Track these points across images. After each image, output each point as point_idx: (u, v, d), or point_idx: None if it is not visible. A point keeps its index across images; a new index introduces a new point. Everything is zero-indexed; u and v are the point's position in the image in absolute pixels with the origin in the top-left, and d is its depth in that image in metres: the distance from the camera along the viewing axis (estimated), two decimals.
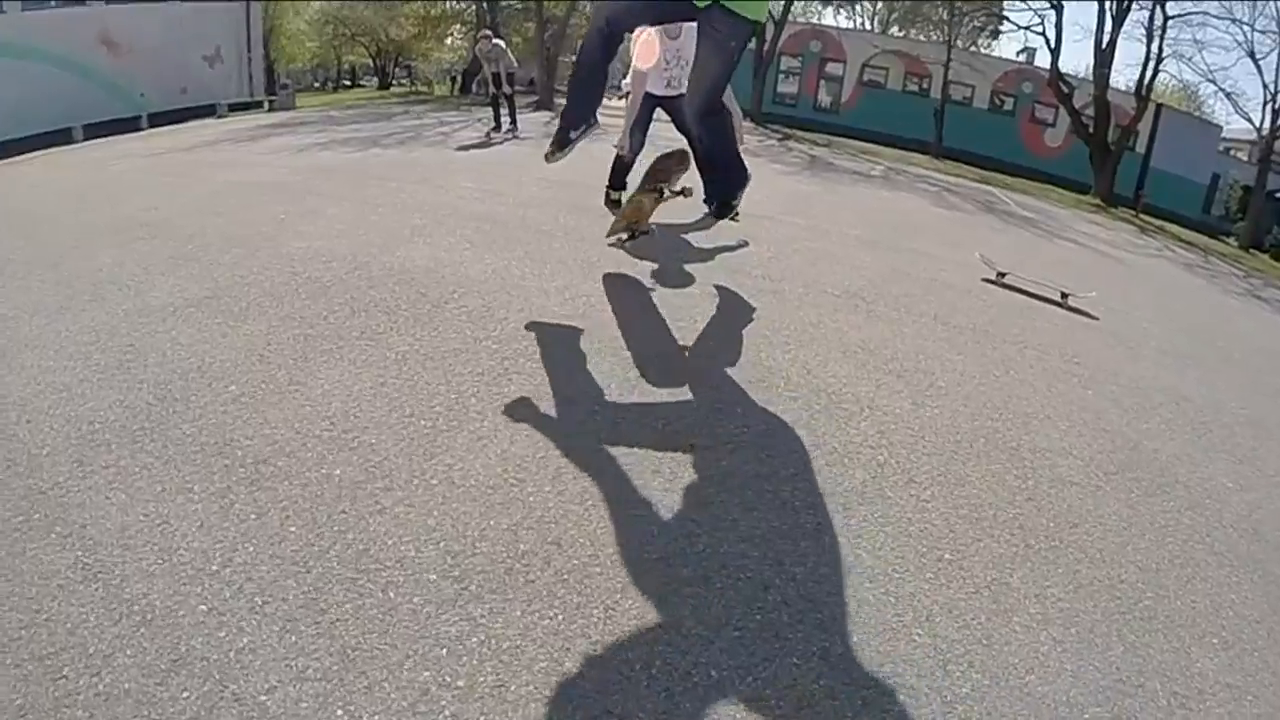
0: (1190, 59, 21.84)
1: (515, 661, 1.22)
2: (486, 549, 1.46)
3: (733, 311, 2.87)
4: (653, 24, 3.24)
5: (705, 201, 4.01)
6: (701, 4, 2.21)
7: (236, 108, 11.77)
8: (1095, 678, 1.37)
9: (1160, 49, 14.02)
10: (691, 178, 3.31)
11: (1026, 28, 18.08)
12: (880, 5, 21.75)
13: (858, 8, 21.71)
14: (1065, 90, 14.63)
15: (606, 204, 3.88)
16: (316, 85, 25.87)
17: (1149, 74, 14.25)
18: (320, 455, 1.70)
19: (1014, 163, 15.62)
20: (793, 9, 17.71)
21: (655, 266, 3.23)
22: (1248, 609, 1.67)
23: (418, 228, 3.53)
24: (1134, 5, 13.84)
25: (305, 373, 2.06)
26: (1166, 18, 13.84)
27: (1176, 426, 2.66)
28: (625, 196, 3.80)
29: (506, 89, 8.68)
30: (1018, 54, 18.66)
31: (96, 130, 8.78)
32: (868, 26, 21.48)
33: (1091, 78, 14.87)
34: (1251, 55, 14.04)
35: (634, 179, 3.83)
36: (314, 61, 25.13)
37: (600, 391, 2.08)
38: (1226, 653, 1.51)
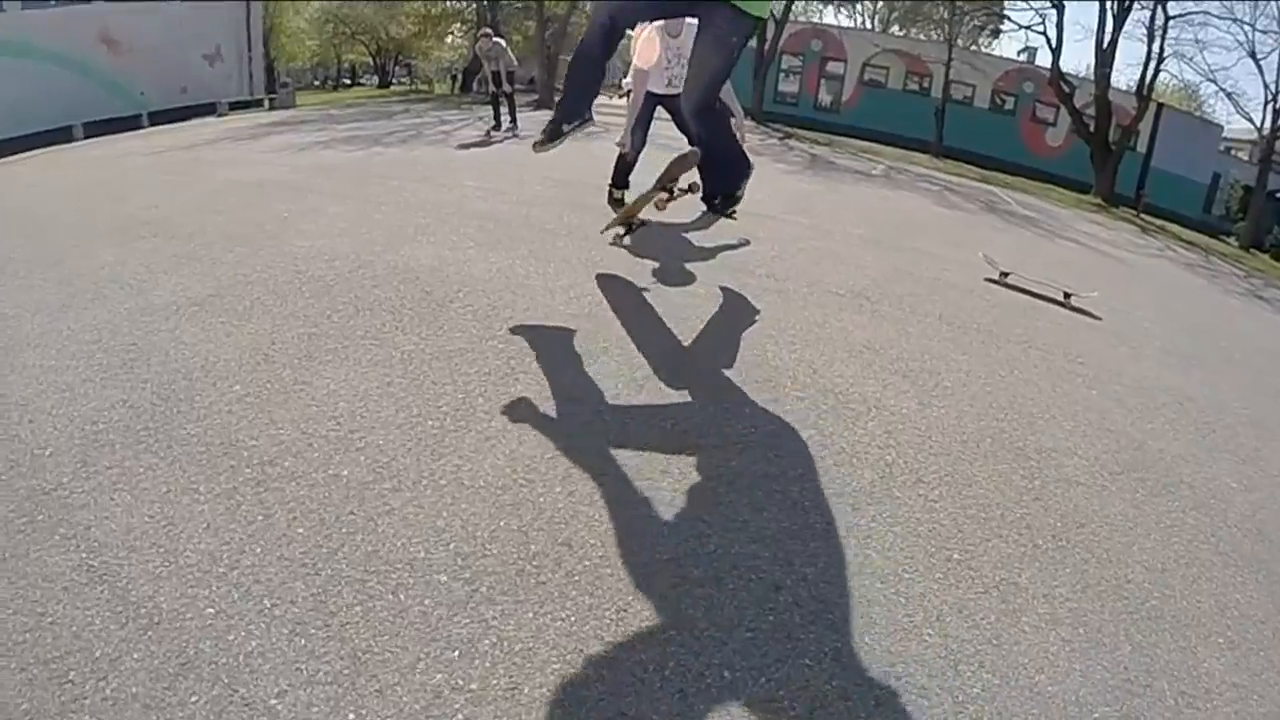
0: (1191, 59, 21.88)
1: (528, 664, 1.21)
2: (497, 550, 1.45)
3: (738, 311, 2.86)
4: (655, 19, 3.24)
5: (704, 199, 4.01)
6: None
7: (237, 106, 11.74)
8: (1104, 677, 1.37)
9: (1161, 49, 14.05)
10: (693, 173, 3.31)
11: (1027, 27, 18.12)
12: (881, 4, 21.76)
13: (858, 7, 21.72)
14: (1066, 90, 14.63)
15: (609, 203, 3.87)
16: (316, 84, 25.82)
17: (1150, 74, 14.28)
18: (327, 456, 1.69)
19: (1015, 162, 15.64)
20: (793, 8, 17.71)
21: (659, 266, 3.22)
22: (1253, 609, 1.68)
23: (421, 226, 3.52)
24: (1135, 5, 13.86)
25: (310, 372, 2.05)
26: (1168, 17, 13.85)
27: (1180, 427, 2.66)
28: (628, 195, 3.80)
29: (507, 87, 8.67)
30: (1018, 53, 18.68)
31: (97, 129, 8.75)
32: (868, 25, 21.47)
33: (1092, 77, 14.88)
34: (1252, 55, 14.07)
35: (636, 178, 3.83)
36: (314, 60, 25.09)
37: (607, 391, 2.07)
38: (1232, 653, 1.51)
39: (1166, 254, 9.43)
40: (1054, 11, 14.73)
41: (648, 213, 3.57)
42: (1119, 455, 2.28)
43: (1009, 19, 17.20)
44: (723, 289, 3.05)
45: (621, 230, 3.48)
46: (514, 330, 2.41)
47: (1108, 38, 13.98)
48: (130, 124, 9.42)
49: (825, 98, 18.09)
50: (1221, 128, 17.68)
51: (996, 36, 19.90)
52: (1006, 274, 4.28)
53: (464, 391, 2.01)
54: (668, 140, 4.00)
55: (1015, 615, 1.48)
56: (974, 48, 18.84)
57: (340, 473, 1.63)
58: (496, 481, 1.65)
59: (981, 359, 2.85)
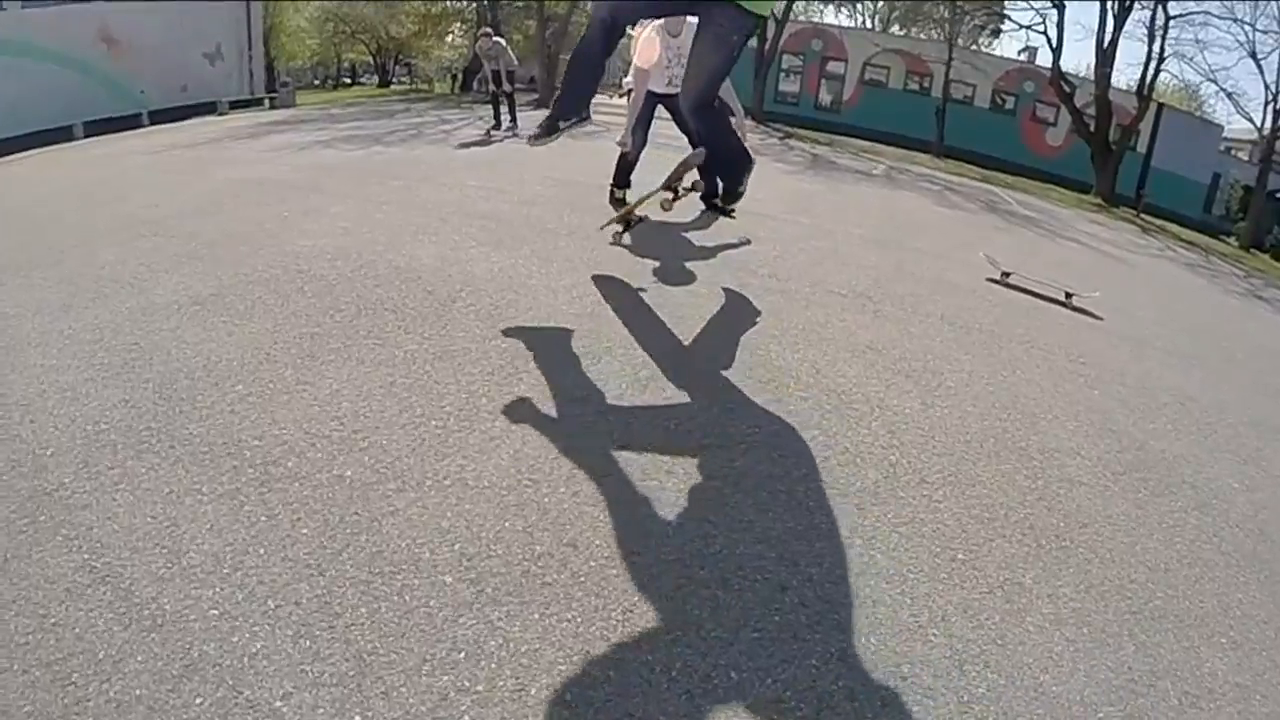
0: (1192, 59, 21.94)
1: (535, 665, 1.20)
2: (502, 551, 1.44)
3: (740, 311, 2.86)
4: (656, 17, 3.23)
5: (702, 198, 4.01)
6: None
7: (237, 105, 11.74)
8: (1108, 677, 1.37)
9: (1162, 49, 14.06)
10: (694, 172, 3.31)
11: (1028, 27, 18.15)
12: (881, 4, 21.77)
13: (859, 6, 21.74)
14: (1067, 89, 14.64)
15: (611, 202, 3.87)
16: (316, 83, 25.79)
17: (1150, 73, 14.29)
18: (330, 456, 1.68)
19: (1015, 162, 15.65)
20: (794, 7, 17.70)
21: (662, 266, 3.22)
22: (1255, 609, 1.68)
23: (422, 226, 3.51)
24: (1136, 5, 13.87)
25: (313, 372, 2.05)
26: (1168, 17, 13.86)
27: (1182, 427, 2.66)
28: (629, 194, 3.80)
29: (507, 87, 8.66)
30: (1019, 53, 18.69)
31: (97, 128, 8.74)
32: (869, 25, 21.47)
33: (1093, 77, 14.88)
34: (1253, 55, 14.11)
35: (637, 177, 3.83)
36: (314, 59, 25.07)
37: (611, 391, 2.07)
38: (1235, 652, 1.52)
39: (1167, 254, 9.44)
40: (1054, 11, 14.77)
41: (652, 211, 3.57)
42: (1121, 455, 2.28)
43: (1009, 19, 17.23)
44: (725, 289, 3.05)
45: (620, 227, 3.48)
46: (517, 330, 2.40)
47: (1108, 37, 14.00)
48: (130, 123, 9.42)
49: (826, 97, 18.10)
50: (1222, 128, 17.71)
51: (997, 36, 19.93)
52: (1008, 274, 4.28)
53: (467, 391, 2.01)
54: (668, 140, 4.00)
55: (1020, 615, 1.48)
56: (974, 47, 18.86)
57: (344, 473, 1.63)
58: (501, 482, 1.64)
59: (984, 359, 2.84)
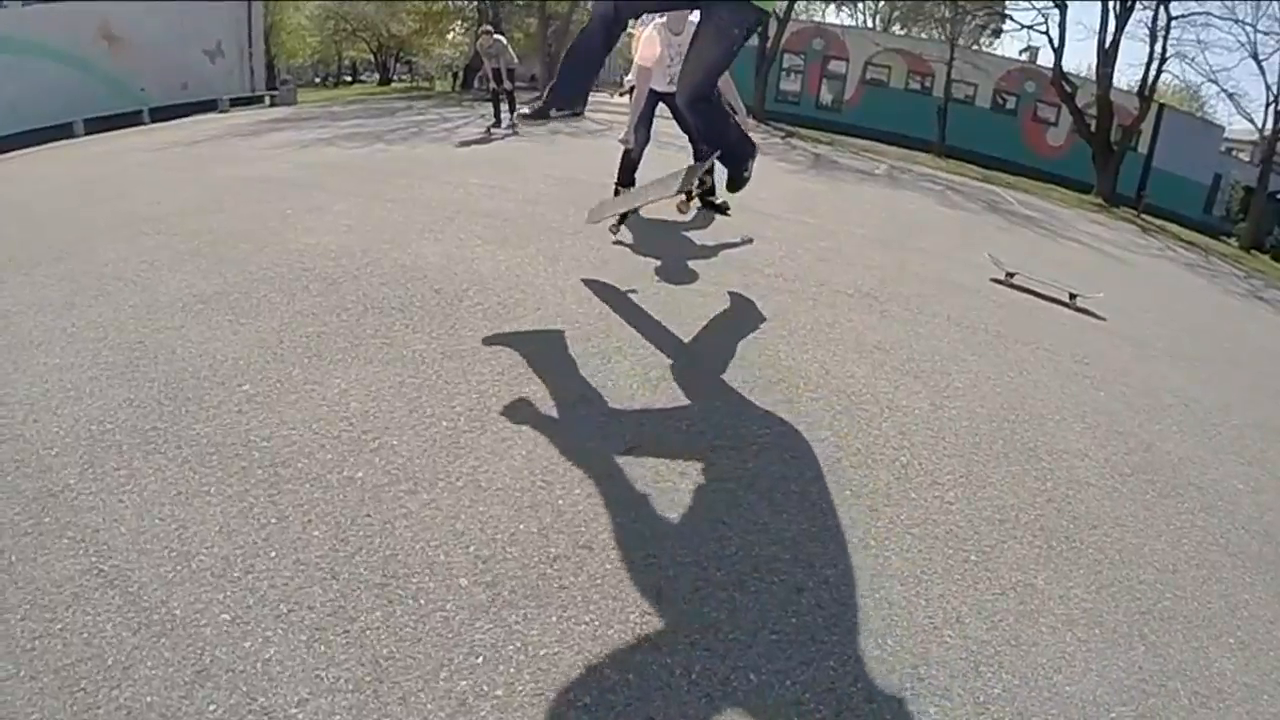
0: (1193, 59, 21.97)
1: (554, 669, 1.19)
2: (517, 553, 1.43)
3: (747, 311, 2.85)
4: (659, 13, 3.21)
5: (700, 197, 3.99)
6: None
7: (238, 103, 11.68)
8: (1120, 677, 1.37)
9: (1163, 49, 14.05)
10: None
11: (1029, 27, 18.16)
12: (882, 4, 21.73)
13: (860, 6, 21.70)
14: (1068, 90, 14.64)
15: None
16: (317, 81, 25.74)
17: (1152, 74, 14.29)
18: (341, 457, 1.67)
19: (1016, 162, 15.65)
20: (795, 7, 17.66)
21: (668, 266, 3.21)
22: (1262, 609, 1.68)
23: (426, 224, 3.50)
24: (1137, 5, 13.87)
25: (320, 371, 2.03)
26: (1170, 18, 13.86)
27: (1187, 428, 2.66)
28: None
29: (507, 85, 8.63)
30: (1020, 53, 18.69)
31: (98, 125, 8.69)
32: (870, 24, 21.45)
33: (1094, 77, 14.88)
34: (1254, 56, 14.13)
35: (640, 175, 3.81)
36: (315, 57, 25.02)
37: (622, 392, 2.06)
38: (1243, 653, 1.52)
39: (1167, 254, 9.45)
40: (1056, 11, 14.74)
41: (658, 210, 3.56)
42: (1129, 457, 2.28)
43: (1011, 18, 17.24)
44: (731, 289, 3.04)
45: (615, 220, 3.48)
46: (526, 329, 2.39)
47: (1110, 38, 14.00)
48: (131, 120, 9.37)
49: (827, 97, 18.08)
50: (1223, 128, 17.72)
51: (998, 36, 19.94)
52: (1012, 274, 4.27)
53: (478, 391, 2.00)
54: (670, 139, 3.99)
55: (1033, 616, 1.48)
56: (976, 47, 18.84)
57: (355, 474, 1.61)
58: (514, 483, 1.63)
59: (991, 360, 2.84)
